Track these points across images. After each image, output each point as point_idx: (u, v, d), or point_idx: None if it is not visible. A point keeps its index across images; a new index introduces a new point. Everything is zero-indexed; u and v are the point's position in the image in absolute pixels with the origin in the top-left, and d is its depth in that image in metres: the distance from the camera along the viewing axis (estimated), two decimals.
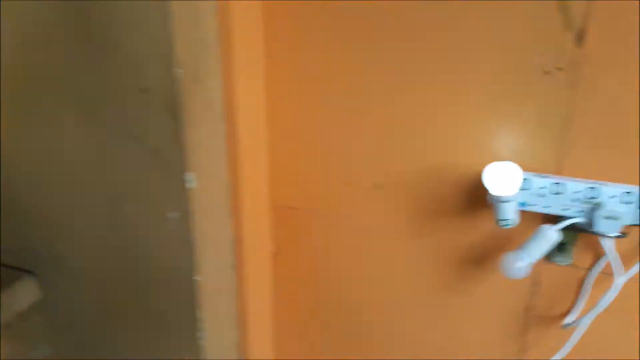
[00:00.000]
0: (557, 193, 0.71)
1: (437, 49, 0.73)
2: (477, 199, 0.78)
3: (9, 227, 0.92)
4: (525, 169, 0.72)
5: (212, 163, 0.79)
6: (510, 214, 0.70)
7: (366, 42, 0.77)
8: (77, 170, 0.81)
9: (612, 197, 0.69)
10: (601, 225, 0.69)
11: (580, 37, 0.65)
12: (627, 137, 0.68)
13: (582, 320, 0.77)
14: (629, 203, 0.68)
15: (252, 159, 0.87)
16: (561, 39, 0.66)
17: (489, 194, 0.72)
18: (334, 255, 0.94)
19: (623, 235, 0.70)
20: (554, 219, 0.73)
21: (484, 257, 0.82)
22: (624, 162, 0.69)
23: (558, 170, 0.73)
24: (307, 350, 1.05)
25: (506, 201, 0.69)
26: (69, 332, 0.99)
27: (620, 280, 0.73)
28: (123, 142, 0.75)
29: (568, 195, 0.70)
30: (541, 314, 0.82)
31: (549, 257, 0.77)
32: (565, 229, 0.72)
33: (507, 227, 0.71)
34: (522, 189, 0.72)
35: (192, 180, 0.74)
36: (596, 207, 0.69)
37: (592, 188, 0.69)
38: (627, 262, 0.73)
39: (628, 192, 0.68)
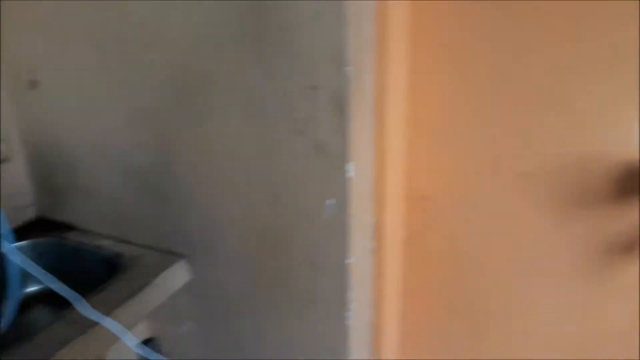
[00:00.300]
0: None
1: (587, 37, 0.75)
2: (626, 186, 0.79)
3: (166, 214, 1.01)
4: None
5: (364, 154, 0.84)
6: None
7: (510, 34, 0.80)
8: (240, 162, 0.88)
9: None
10: None
11: None
12: None
13: None
14: None
15: (394, 150, 0.91)
16: None
17: None
18: (468, 243, 0.97)
19: None
20: None
21: (631, 244, 0.83)
22: None
23: None
24: (433, 334, 1.09)
25: None
26: (213, 310, 1.08)
27: None
28: (287, 135, 0.81)
29: None
30: None
31: None
32: None
33: None
34: None
35: (352, 170, 0.80)
36: None
37: None
38: None
39: None
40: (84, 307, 0.81)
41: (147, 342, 1.07)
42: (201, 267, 1.03)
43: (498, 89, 0.84)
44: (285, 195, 0.86)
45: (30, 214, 1.19)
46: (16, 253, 0.77)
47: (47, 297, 1.12)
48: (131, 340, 0.81)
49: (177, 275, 1.03)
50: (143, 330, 1.16)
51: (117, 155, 1.01)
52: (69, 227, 1.16)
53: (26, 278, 1.07)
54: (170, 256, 1.04)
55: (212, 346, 1.11)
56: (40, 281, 1.13)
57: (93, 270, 1.07)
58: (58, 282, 0.79)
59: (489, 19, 0.80)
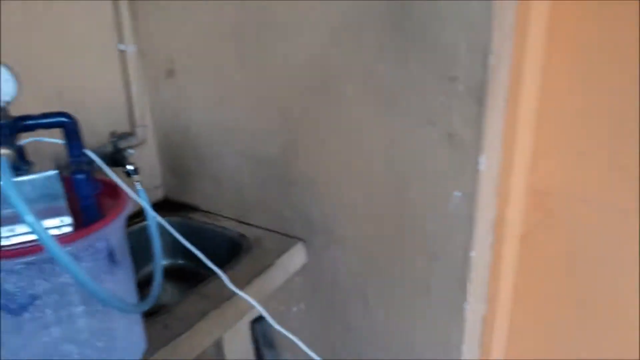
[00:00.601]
0: None
1: None
2: None
3: (288, 199, 1.06)
4: None
5: (495, 146, 0.84)
6: None
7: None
8: (367, 150, 0.90)
9: None
10: None
11: None
12: None
13: None
14: None
15: (521, 143, 0.90)
16: None
17: None
18: (590, 243, 0.94)
19: None
20: None
21: None
22: None
23: None
24: (542, 335, 1.07)
25: None
26: (326, 292, 1.11)
27: None
28: (418, 126, 0.83)
29: None
30: None
31: None
32: None
33: None
34: None
35: (483, 162, 0.80)
36: None
37: None
38: None
39: None
40: (224, 281, 0.87)
41: (258, 321, 1.13)
42: (317, 250, 1.08)
43: (632, 86, 0.80)
44: (410, 184, 0.88)
45: (158, 194, 1.29)
46: (166, 225, 0.84)
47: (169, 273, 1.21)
48: (266, 314, 0.86)
49: (296, 258, 1.08)
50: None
51: (244, 142, 1.07)
52: (193, 208, 1.25)
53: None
54: (289, 239, 1.09)
55: (322, 327, 1.16)
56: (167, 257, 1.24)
57: (217, 249, 1.14)
58: (203, 255, 0.86)
59: (626, 18, 0.77)
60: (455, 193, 0.84)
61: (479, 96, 0.75)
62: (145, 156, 1.22)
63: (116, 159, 0.97)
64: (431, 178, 0.85)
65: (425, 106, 0.81)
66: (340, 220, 1.01)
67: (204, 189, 1.21)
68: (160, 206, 1.27)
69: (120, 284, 0.74)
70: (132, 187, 0.76)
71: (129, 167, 0.92)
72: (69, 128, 0.66)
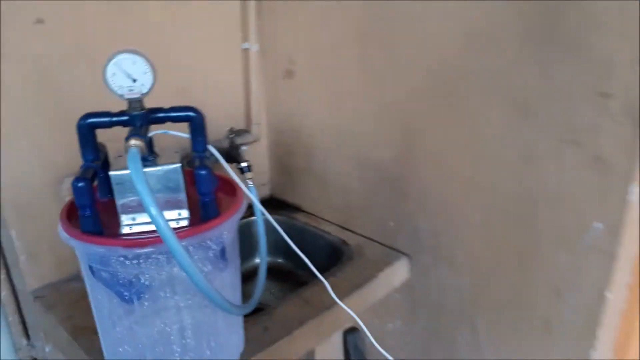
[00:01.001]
0: None
1: None
2: None
3: (396, 209, 1.01)
4: None
5: None
6: None
7: None
8: (491, 166, 0.83)
9: None
10: None
11: None
12: None
13: None
14: None
15: None
16: None
17: None
18: None
19: None
20: None
21: None
22: None
23: None
24: None
25: None
26: (427, 314, 1.05)
27: None
28: (558, 144, 0.74)
29: None
30: None
31: None
32: None
33: None
34: None
35: (635, 192, 0.69)
36: None
37: None
38: None
39: None
40: (327, 290, 0.85)
41: (350, 332, 1.09)
42: (422, 268, 1.01)
43: None
44: (541, 208, 0.79)
45: (264, 192, 1.30)
46: (277, 227, 0.83)
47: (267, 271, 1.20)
48: (367, 331, 0.82)
49: (399, 273, 1.03)
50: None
51: (357, 147, 1.04)
52: (296, 208, 1.24)
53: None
54: (393, 252, 1.04)
55: (420, 349, 1.09)
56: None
57: (317, 252, 1.12)
58: (307, 257, 0.84)
59: None
60: (595, 224, 0.74)
61: (637, 117, 0.65)
62: (256, 153, 1.23)
63: (232, 155, 0.97)
64: (568, 204, 0.76)
65: (568, 123, 0.72)
66: (452, 240, 0.94)
67: (310, 190, 1.19)
68: (265, 204, 1.25)
69: (227, 281, 0.73)
70: (244, 183, 0.76)
71: (244, 164, 0.92)
72: (196, 123, 0.66)
